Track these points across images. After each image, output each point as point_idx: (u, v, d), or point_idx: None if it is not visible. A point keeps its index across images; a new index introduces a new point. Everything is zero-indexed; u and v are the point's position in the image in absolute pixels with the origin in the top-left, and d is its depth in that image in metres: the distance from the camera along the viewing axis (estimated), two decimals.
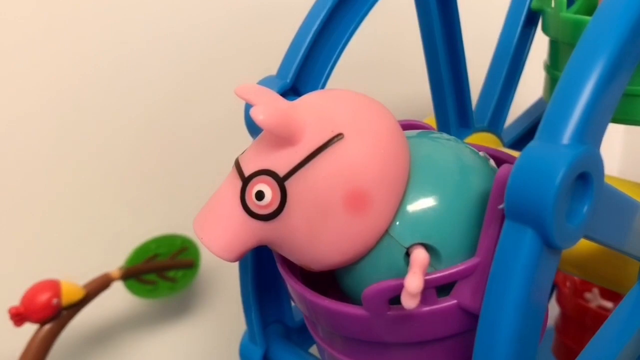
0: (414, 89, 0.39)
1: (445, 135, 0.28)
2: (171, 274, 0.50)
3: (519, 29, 0.43)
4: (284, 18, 0.35)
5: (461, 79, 0.40)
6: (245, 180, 0.24)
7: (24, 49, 0.44)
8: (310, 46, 0.32)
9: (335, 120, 0.24)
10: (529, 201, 0.20)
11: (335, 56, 0.33)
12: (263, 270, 0.33)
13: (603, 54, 0.21)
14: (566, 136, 0.20)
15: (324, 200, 0.23)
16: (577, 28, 0.35)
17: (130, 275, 0.47)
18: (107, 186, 0.49)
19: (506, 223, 0.21)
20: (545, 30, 0.38)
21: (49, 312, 0.42)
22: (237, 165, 0.25)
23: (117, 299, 0.50)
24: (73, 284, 0.43)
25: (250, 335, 0.35)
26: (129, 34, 0.48)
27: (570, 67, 0.21)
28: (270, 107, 0.23)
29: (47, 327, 0.42)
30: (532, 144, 0.21)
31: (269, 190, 0.23)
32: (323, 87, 0.33)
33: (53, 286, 0.42)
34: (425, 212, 0.24)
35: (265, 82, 0.33)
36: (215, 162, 0.53)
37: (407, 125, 0.29)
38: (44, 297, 0.42)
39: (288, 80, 0.32)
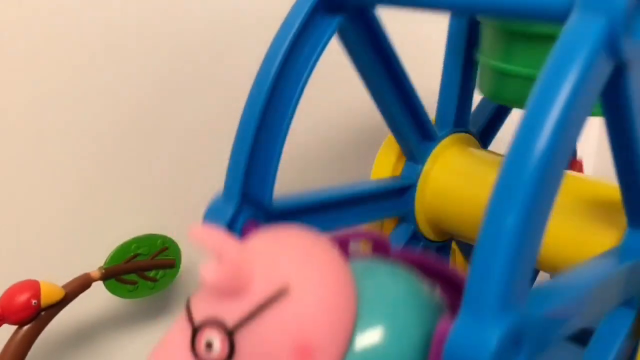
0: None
1: (392, 268, 0.27)
2: (152, 274, 0.49)
3: (465, 24, 0.43)
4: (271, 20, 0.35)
5: (409, 99, 0.40)
6: (195, 329, 0.25)
7: (10, 49, 0.44)
8: (249, 158, 0.32)
9: (283, 270, 0.24)
10: None
11: (277, 154, 0.33)
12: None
13: (512, 215, 0.20)
14: (491, 309, 0.20)
15: (272, 353, 0.23)
16: None
17: (111, 276, 0.47)
18: (87, 186, 0.49)
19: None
20: None
21: (28, 313, 0.42)
22: (188, 309, 0.26)
23: (98, 299, 0.50)
24: (52, 284, 0.43)
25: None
26: (114, 34, 0.47)
27: (482, 236, 0.21)
28: (221, 268, 0.24)
29: (25, 328, 0.42)
30: (461, 320, 0.21)
31: (218, 341, 0.24)
32: (272, 187, 0.33)
33: (32, 287, 0.42)
34: (370, 354, 0.24)
35: (215, 209, 0.33)
36: (196, 163, 0.53)
37: (360, 235, 0.30)
38: (22, 298, 0.41)
39: (235, 203, 0.32)
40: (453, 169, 0.42)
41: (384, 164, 0.43)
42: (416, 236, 0.43)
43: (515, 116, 0.49)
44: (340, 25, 0.33)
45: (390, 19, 0.36)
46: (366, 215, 0.40)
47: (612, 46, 0.22)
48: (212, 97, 0.52)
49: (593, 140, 0.74)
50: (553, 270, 0.37)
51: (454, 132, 0.44)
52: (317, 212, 0.37)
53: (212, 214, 0.33)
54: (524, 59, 0.37)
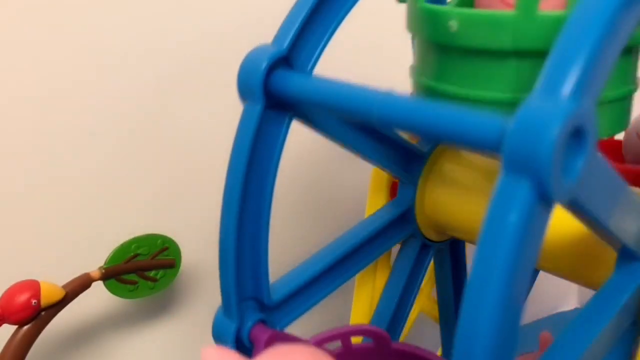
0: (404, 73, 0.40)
1: None
2: (152, 273, 0.49)
3: None
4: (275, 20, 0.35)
5: (383, 138, 0.39)
6: None
7: (11, 48, 0.44)
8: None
9: None
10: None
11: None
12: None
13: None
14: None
15: None
16: (433, 20, 0.31)
17: (111, 276, 0.47)
18: (87, 186, 0.49)
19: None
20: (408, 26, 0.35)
21: (28, 313, 0.42)
22: None
23: (98, 299, 0.50)
24: (52, 284, 0.43)
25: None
26: (117, 35, 0.47)
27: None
28: None
29: (26, 328, 0.42)
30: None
31: None
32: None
33: (32, 287, 0.42)
34: None
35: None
36: (196, 163, 0.53)
37: (359, 332, 0.30)
38: (22, 298, 0.41)
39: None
40: (446, 179, 0.42)
41: (376, 198, 0.44)
42: (426, 245, 0.44)
43: None
44: (293, 117, 0.33)
45: (374, 19, 0.36)
46: (373, 255, 0.41)
47: (544, 199, 0.21)
48: (213, 98, 0.52)
49: None
50: (552, 269, 0.37)
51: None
52: (320, 281, 0.37)
53: (218, 333, 0.34)
54: (456, 77, 0.31)
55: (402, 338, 0.47)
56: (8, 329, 0.42)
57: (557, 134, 0.20)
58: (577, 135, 0.21)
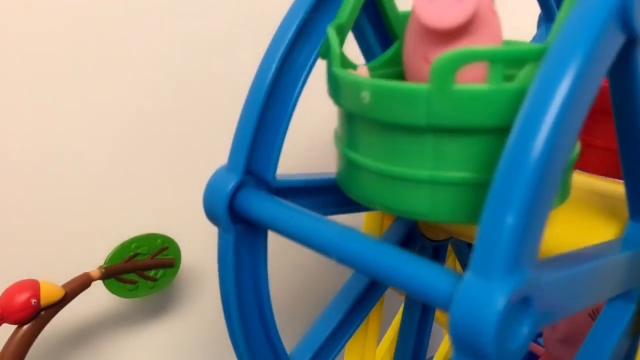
0: None
1: None
2: (152, 273, 0.49)
3: None
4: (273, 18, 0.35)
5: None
6: None
7: (12, 46, 0.44)
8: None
9: None
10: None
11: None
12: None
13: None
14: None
15: None
16: (346, 88, 0.28)
17: (111, 275, 0.47)
18: (87, 186, 0.49)
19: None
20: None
21: (28, 312, 0.42)
22: None
23: (97, 298, 0.50)
24: (52, 283, 0.43)
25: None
26: (117, 36, 0.47)
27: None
28: None
29: (25, 327, 0.42)
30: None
31: None
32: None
33: (32, 286, 0.42)
34: None
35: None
36: (196, 163, 0.53)
37: None
38: (22, 298, 0.41)
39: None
40: None
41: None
42: (413, 236, 0.43)
43: None
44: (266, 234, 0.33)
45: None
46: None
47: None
48: (213, 98, 0.52)
49: None
50: None
51: None
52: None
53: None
54: (374, 150, 0.28)
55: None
56: (8, 329, 0.42)
57: (498, 323, 0.20)
58: (521, 305, 0.21)
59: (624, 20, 0.22)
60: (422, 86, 0.25)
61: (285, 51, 0.31)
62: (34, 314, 0.42)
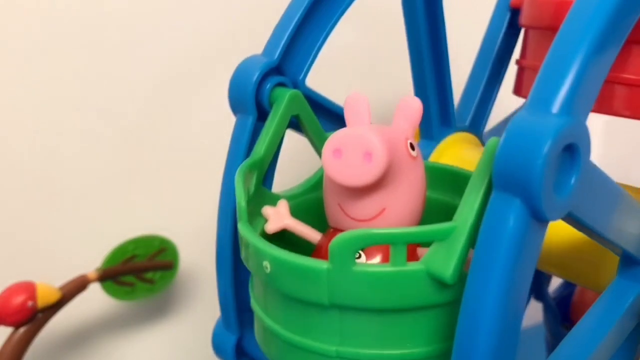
0: (401, 86, 0.40)
1: None
2: (149, 275, 0.49)
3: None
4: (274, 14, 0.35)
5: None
6: None
7: (12, 48, 0.44)
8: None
9: None
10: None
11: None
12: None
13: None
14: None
15: None
16: (251, 252, 0.27)
17: (108, 277, 0.47)
18: (85, 187, 0.49)
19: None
20: None
21: (24, 314, 0.41)
22: None
23: (94, 301, 0.49)
24: (49, 285, 0.43)
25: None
26: (116, 36, 0.47)
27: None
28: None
29: (22, 330, 0.42)
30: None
31: None
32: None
33: (28, 288, 0.42)
34: None
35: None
36: (195, 164, 0.53)
37: None
38: (18, 300, 0.41)
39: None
40: (463, 160, 0.41)
41: None
42: None
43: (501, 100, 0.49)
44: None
45: None
46: None
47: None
48: (212, 98, 0.52)
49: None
50: (556, 272, 0.37)
51: (468, 131, 0.44)
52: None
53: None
54: (282, 319, 0.27)
55: None
56: (4, 331, 0.42)
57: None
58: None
59: (537, 219, 0.21)
60: (322, 264, 0.24)
61: None
62: (31, 316, 0.42)
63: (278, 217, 0.29)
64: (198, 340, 0.56)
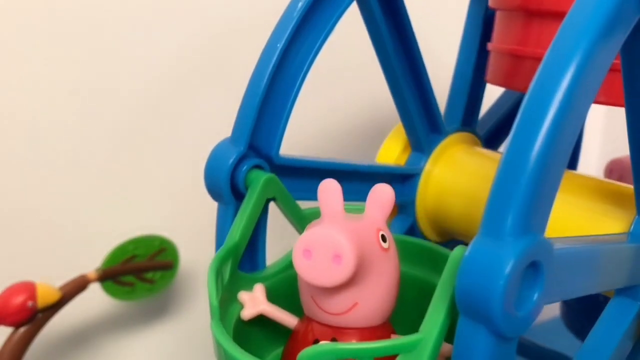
0: (386, 94, 0.40)
1: None
2: (149, 275, 0.49)
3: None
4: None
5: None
6: None
7: (13, 46, 0.44)
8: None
9: None
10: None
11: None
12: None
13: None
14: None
15: None
16: None
17: (108, 277, 0.47)
18: (84, 186, 0.49)
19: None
20: None
21: (24, 314, 0.41)
22: None
23: (94, 301, 0.49)
24: (49, 285, 0.43)
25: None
26: (115, 37, 0.47)
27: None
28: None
29: (22, 330, 0.42)
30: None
31: None
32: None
33: (28, 288, 0.42)
34: None
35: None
36: (194, 164, 0.53)
37: None
38: (18, 300, 0.41)
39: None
40: (458, 165, 0.42)
41: (389, 150, 0.43)
42: (413, 234, 0.43)
43: None
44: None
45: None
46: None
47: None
48: (212, 98, 0.52)
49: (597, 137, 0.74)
50: None
51: (461, 130, 0.44)
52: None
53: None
54: None
55: None
56: (4, 331, 0.42)
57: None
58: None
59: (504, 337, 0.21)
60: None
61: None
62: (31, 316, 0.42)
63: (254, 302, 0.30)
64: (198, 340, 0.56)
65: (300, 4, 0.32)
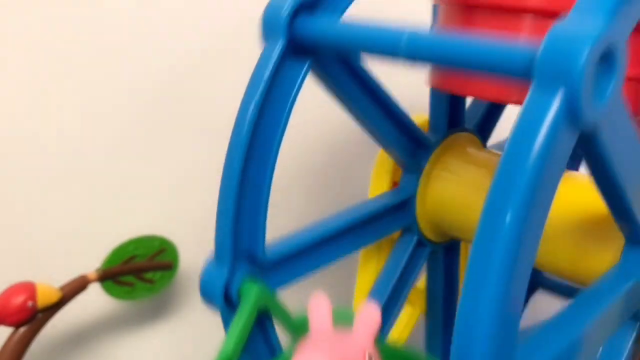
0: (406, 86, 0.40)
1: None
2: (149, 275, 0.49)
3: None
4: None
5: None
6: None
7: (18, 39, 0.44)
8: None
9: None
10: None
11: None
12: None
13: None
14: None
15: None
16: None
17: (108, 277, 0.47)
18: (85, 187, 0.49)
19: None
20: None
21: (24, 314, 0.41)
22: None
23: (94, 301, 0.49)
24: (49, 286, 0.43)
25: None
26: (117, 34, 0.47)
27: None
28: None
29: (22, 330, 0.42)
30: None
31: None
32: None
33: (28, 288, 0.42)
34: None
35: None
36: (194, 164, 0.53)
37: None
38: (19, 300, 0.41)
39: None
40: (450, 174, 0.41)
41: (379, 181, 0.43)
42: (422, 243, 0.43)
43: (513, 108, 0.48)
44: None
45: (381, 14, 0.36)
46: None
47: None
48: (213, 99, 0.52)
49: None
50: (550, 264, 0.37)
51: (450, 134, 0.43)
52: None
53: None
54: None
55: (404, 340, 0.47)
56: (4, 331, 0.42)
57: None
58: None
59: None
60: None
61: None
62: (31, 316, 0.42)
63: None
64: (197, 341, 0.56)
65: (256, 94, 0.32)
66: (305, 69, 0.32)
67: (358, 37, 0.29)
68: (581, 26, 0.21)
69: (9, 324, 0.41)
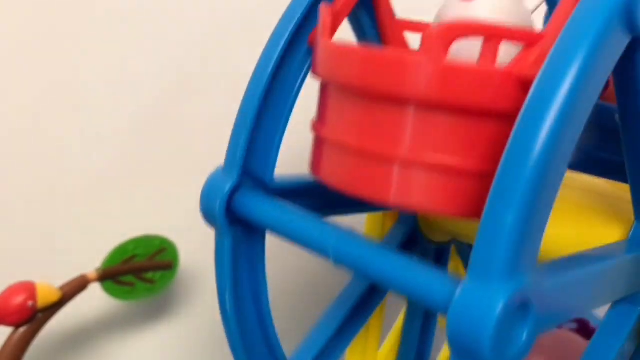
0: None
1: None
2: (149, 275, 0.49)
3: None
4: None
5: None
6: None
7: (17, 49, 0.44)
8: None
9: None
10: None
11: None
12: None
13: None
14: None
15: None
16: None
17: (108, 277, 0.47)
18: (85, 187, 0.49)
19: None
20: None
21: (24, 314, 0.41)
22: None
23: (94, 301, 0.49)
24: (49, 285, 0.43)
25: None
26: (124, 35, 0.47)
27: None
28: None
29: (22, 329, 0.42)
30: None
31: None
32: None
33: (28, 288, 0.42)
34: None
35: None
36: (195, 164, 0.53)
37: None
38: (18, 300, 0.41)
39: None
40: None
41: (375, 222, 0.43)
42: (415, 238, 0.43)
43: None
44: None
45: None
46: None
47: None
48: (212, 99, 0.52)
49: None
50: None
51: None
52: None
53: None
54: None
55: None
56: (4, 331, 0.42)
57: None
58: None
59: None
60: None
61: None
62: (31, 316, 0.42)
63: None
64: (198, 340, 0.56)
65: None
66: (261, 241, 0.33)
67: (289, 230, 0.29)
68: (482, 295, 0.20)
69: (9, 324, 0.41)
